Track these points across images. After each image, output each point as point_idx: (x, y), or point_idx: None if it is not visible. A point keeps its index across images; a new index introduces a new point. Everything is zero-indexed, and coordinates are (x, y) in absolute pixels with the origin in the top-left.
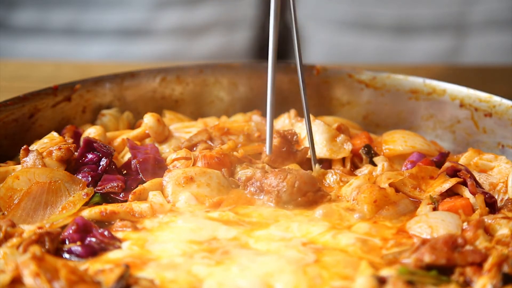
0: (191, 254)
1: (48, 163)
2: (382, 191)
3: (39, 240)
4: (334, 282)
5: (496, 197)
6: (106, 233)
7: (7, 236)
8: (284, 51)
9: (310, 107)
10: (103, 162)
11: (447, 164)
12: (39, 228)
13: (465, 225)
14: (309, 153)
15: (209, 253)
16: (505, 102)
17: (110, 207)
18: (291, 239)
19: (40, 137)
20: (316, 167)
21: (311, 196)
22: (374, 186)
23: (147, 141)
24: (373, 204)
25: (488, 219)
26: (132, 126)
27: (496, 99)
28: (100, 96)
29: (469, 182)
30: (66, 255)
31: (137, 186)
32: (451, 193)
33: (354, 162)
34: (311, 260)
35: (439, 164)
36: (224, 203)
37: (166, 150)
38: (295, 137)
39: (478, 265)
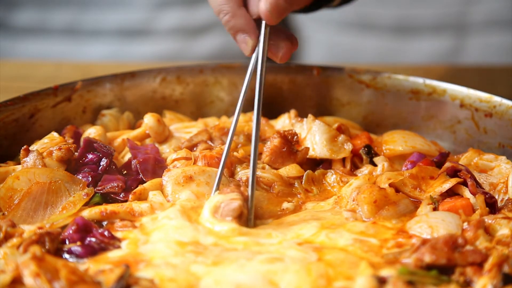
0: (183, 253)
1: (48, 163)
2: (382, 191)
3: (39, 240)
4: (337, 282)
5: (497, 197)
6: (106, 233)
7: (7, 236)
8: None
9: (310, 107)
10: (103, 162)
11: (447, 164)
12: (39, 228)
13: (465, 225)
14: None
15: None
16: (505, 102)
17: (110, 207)
18: (282, 241)
19: (40, 137)
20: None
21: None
22: (374, 186)
23: (147, 141)
24: (373, 204)
25: (489, 219)
26: (132, 126)
27: (497, 99)
28: (100, 96)
29: (469, 182)
30: (66, 255)
31: (137, 186)
32: (452, 193)
33: (354, 162)
34: (314, 258)
35: (439, 164)
36: None
37: (166, 150)
38: (295, 137)
39: (479, 265)
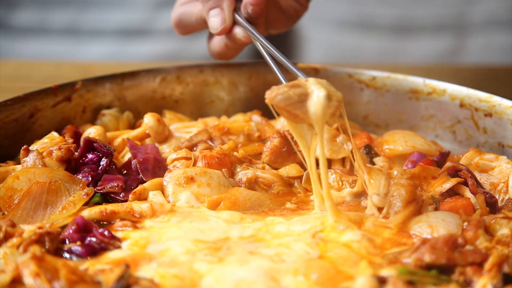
0: (194, 252)
1: (48, 163)
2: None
3: (39, 240)
4: (337, 281)
5: (497, 197)
6: (106, 232)
7: (7, 236)
8: (283, 51)
9: None
10: (103, 162)
11: (448, 164)
12: (39, 228)
13: (465, 225)
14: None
15: (214, 250)
16: (505, 102)
17: (110, 207)
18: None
19: (40, 137)
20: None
21: None
22: (411, 183)
23: (147, 141)
24: (407, 201)
25: (489, 219)
26: (132, 126)
27: (496, 99)
28: (100, 96)
29: (470, 182)
30: (66, 255)
31: (137, 186)
32: (452, 193)
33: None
34: (315, 255)
35: (439, 164)
36: (223, 202)
37: (166, 150)
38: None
39: (479, 265)
